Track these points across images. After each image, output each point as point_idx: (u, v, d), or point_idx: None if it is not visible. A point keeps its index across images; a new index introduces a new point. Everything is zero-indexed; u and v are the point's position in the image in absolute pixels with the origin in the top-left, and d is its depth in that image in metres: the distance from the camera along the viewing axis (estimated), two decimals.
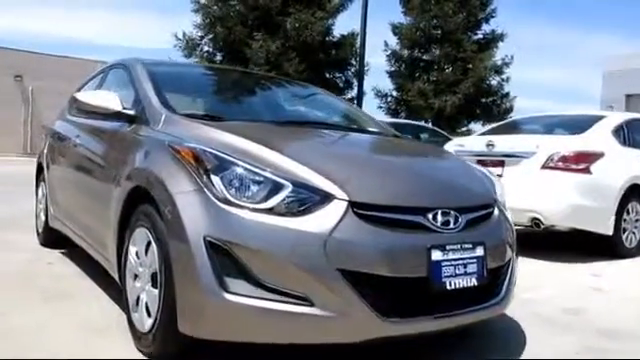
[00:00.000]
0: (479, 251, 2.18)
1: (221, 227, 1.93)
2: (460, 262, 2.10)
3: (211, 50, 15.92)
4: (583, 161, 4.96)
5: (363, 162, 2.41)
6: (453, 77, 17.96)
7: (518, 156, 5.18)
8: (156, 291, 2.15)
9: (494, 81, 18.79)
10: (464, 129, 19.16)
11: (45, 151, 4.48)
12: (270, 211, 1.93)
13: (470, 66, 18.04)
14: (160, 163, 2.24)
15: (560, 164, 4.96)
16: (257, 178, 2.00)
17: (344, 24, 28.10)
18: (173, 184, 2.09)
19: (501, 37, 18.89)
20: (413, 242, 2.03)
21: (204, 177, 2.03)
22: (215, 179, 2.01)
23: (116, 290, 3.04)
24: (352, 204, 1.97)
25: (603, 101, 23.73)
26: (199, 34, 15.93)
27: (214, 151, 2.10)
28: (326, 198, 1.97)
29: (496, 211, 2.44)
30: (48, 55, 40.08)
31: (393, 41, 19.39)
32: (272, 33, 14.46)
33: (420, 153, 2.74)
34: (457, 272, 2.08)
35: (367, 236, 1.94)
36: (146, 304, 2.25)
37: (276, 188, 1.97)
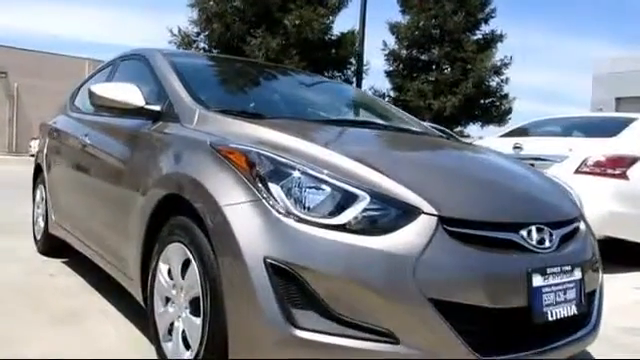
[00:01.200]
0: (577, 274, 1.86)
1: (285, 246, 1.59)
2: (560, 288, 1.78)
3: (207, 47, 15.53)
4: (619, 165, 4.68)
5: (441, 169, 2.07)
6: (453, 77, 17.70)
7: (549, 160, 4.89)
8: (198, 320, 1.80)
9: (493, 82, 18.56)
10: (457, 130, 18.89)
11: (45, 151, 4.10)
12: (343, 227, 1.60)
13: (470, 66, 17.79)
14: (200, 168, 1.89)
15: (595, 169, 4.68)
16: (325, 187, 1.66)
17: (343, 24, 27.76)
18: (221, 194, 1.74)
19: (500, 38, 18.69)
20: (512, 265, 1.70)
21: (260, 185, 1.69)
22: (274, 188, 1.67)
23: (131, 308, 2.71)
24: (442, 220, 1.64)
25: (593, 104, 23.79)
26: (195, 30, 15.54)
27: (270, 154, 1.76)
28: (411, 212, 1.63)
29: (582, 225, 2.13)
30: (35, 52, 39.57)
31: (392, 41, 19.15)
32: (272, 30, 14.07)
33: (492, 159, 2.42)
34: (557, 299, 1.76)
35: (462, 259, 1.62)
36: (183, 334, 1.91)
37: (350, 199, 1.64)
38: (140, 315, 2.57)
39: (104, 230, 2.78)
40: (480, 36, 18.80)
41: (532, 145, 5.13)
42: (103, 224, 2.80)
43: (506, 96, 18.69)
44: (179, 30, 15.36)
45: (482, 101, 18.46)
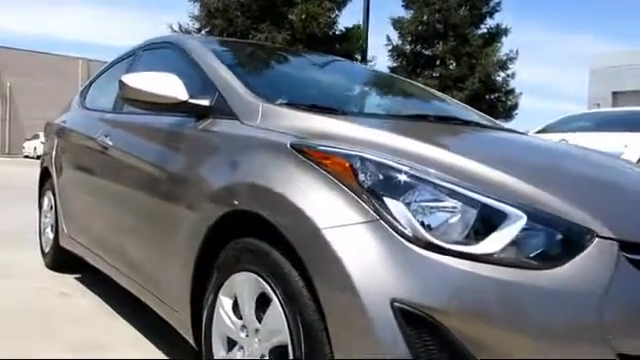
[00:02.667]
0: None
1: (420, 285, 1.17)
2: None
3: None
4: None
5: (590, 180, 1.64)
6: (459, 72, 17.30)
7: None
8: None
9: (499, 77, 18.16)
10: None
11: (53, 154, 3.66)
12: (494, 258, 1.18)
13: (475, 61, 17.39)
14: (281, 176, 1.47)
15: None
16: (465, 204, 1.24)
17: (345, 20, 27.27)
18: (317, 212, 1.32)
19: (505, 32, 18.30)
20: None
21: (374, 201, 1.27)
22: (395, 205, 1.25)
23: (162, 336, 2.32)
24: (622, 245, 1.23)
25: (590, 99, 23.56)
26: (196, 26, 14.96)
27: (384, 160, 1.34)
28: (583, 236, 1.22)
29: None
30: (28, 51, 38.92)
31: (395, 36, 18.71)
32: (277, 24, 13.60)
33: (622, 166, 2.01)
34: None
35: None
36: None
37: (500, 220, 1.22)
38: (175, 345, 2.18)
39: (133, 248, 2.36)
40: (485, 30, 18.41)
41: (581, 141, 4.76)
42: (131, 241, 2.37)
43: (512, 91, 18.33)
44: (179, 26, 14.86)
45: (488, 97, 18.06)
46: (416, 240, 1.20)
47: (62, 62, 39.12)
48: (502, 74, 18.26)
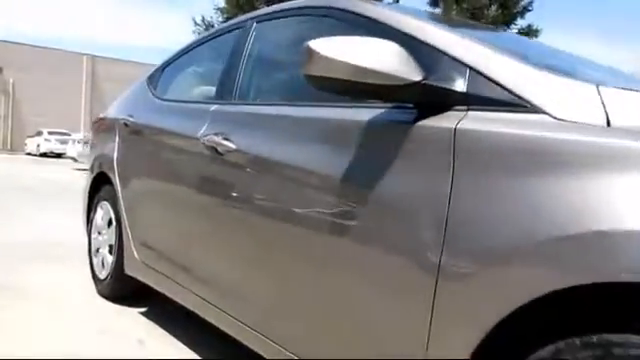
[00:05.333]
0: None
1: None
2: None
3: None
4: None
5: None
6: None
7: None
8: None
9: None
10: None
11: (116, 156, 2.91)
12: None
13: None
14: None
15: None
16: None
17: None
18: None
19: (536, 33, 17.58)
20: None
21: None
22: None
23: None
24: None
25: None
26: (219, 19, 14.09)
27: None
28: None
29: None
30: (31, 46, 38.05)
31: None
32: None
33: None
34: None
35: None
36: None
37: None
38: None
39: (287, 303, 1.61)
40: (516, 31, 17.66)
41: None
42: (287, 293, 1.62)
43: None
44: (202, 19, 14.07)
45: None
46: None
47: (66, 58, 38.21)
48: None
